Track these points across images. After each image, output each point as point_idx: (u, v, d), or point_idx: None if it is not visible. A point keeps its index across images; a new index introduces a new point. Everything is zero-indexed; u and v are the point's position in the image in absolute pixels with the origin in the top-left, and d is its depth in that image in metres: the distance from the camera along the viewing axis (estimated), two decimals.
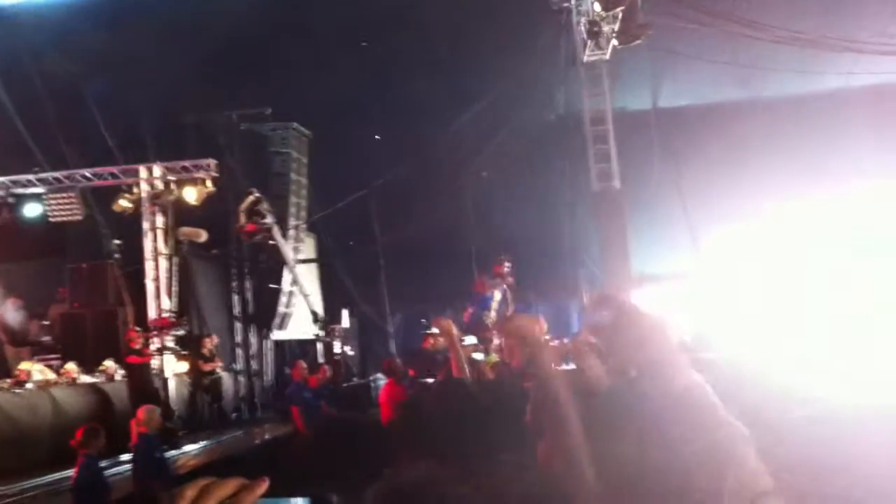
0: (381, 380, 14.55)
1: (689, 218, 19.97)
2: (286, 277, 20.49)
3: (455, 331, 5.97)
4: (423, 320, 14.30)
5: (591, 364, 4.90)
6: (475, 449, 3.15)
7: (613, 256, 18.33)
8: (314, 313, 18.99)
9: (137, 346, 14.76)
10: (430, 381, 7.88)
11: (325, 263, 22.88)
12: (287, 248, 19.14)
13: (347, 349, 20.36)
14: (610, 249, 18.53)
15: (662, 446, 1.95)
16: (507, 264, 15.39)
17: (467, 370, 5.64)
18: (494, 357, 11.21)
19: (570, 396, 2.48)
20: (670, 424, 1.89)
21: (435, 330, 13.70)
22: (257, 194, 17.95)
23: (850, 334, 9.39)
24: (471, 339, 13.41)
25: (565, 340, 14.92)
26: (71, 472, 9.91)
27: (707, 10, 17.04)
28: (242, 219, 17.91)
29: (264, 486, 1.36)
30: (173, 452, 13.24)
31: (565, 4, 17.53)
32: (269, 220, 18.00)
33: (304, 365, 15.04)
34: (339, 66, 18.97)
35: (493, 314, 14.47)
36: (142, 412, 9.87)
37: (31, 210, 16.80)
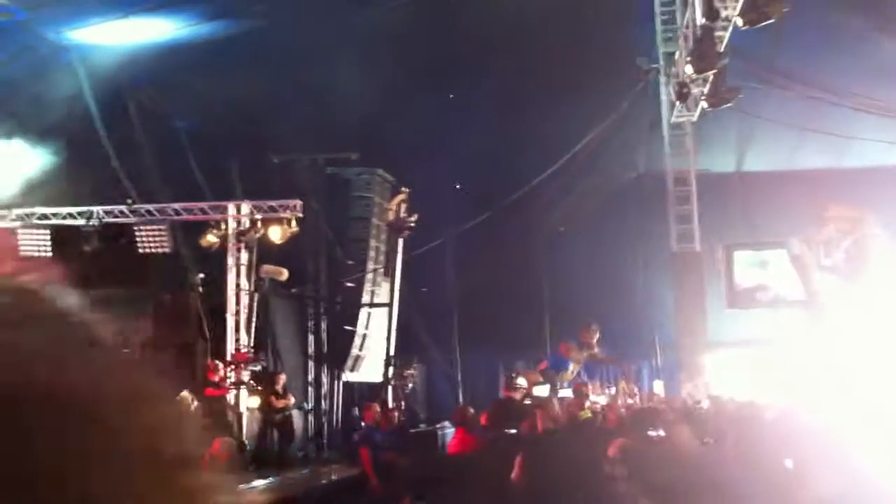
0: (449, 428, 14.47)
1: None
2: (361, 320, 20.73)
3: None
4: (512, 374, 14.15)
5: (679, 431, 4.99)
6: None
7: (689, 318, 18.19)
8: (389, 356, 19.17)
9: (216, 379, 15.05)
10: (513, 431, 7.91)
11: (399, 308, 23.08)
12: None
13: (414, 396, 20.46)
14: (686, 311, 18.40)
15: None
16: (594, 330, 15.22)
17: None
18: (588, 413, 11.29)
19: None
20: None
21: (522, 382, 13.62)
22: (406, 190, 19.19)
23: None
24: (542, 390, 13.38)
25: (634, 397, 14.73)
26: None
27: (791, 75, 17.03)
28: (391, 215, 18.75)
29: None
30: (242, 486, 13.41)
31: (653, 65, 17.67)
32: (414, 218, 19.08)
33: (378, 408, 15.10)
34: (424, 116, 19.30)
35: (568, 375, 14.42)
36: (217, 444, 10.05)
37: (121, 240, 17.26)
